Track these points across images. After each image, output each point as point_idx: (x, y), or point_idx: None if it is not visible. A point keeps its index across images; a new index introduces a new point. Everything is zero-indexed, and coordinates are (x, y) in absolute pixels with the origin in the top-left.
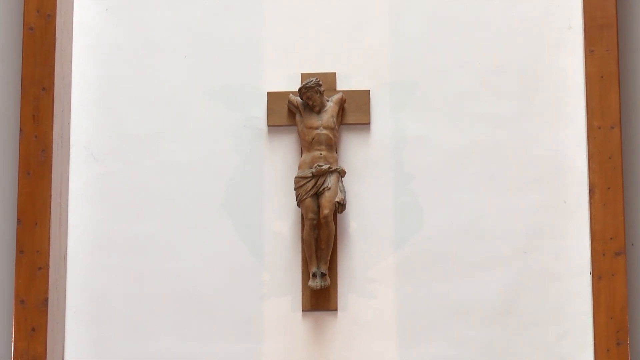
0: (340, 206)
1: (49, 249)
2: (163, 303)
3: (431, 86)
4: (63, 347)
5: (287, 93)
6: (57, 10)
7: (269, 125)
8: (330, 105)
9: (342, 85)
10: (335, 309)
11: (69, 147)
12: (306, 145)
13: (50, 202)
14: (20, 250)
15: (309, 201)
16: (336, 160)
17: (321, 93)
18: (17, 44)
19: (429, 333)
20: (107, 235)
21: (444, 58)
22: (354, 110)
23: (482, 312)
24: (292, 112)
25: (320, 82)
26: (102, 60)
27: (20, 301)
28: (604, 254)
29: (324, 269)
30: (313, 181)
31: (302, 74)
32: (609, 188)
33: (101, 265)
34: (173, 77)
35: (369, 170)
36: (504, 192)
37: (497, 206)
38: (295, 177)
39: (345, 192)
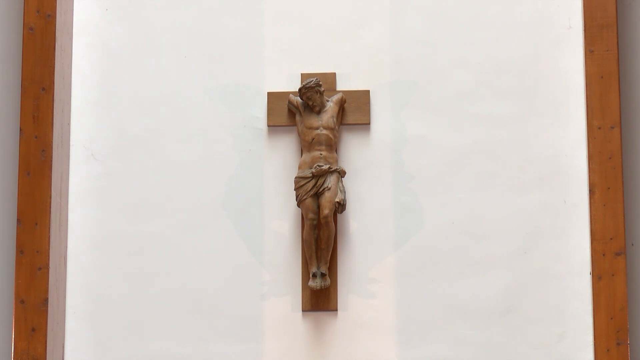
0: (340, 206)
1: (49, 249)
2: (163, 303)
3: (431, 86)
4: (63, 347)
5: (287, 93)
6: (57, 10)
7: (269, 125)
8: (330, 105)
9: (342, 85)
10: (335, 309)
11: (69, 147)
12: (306, 145)
13: (50, 202)
14: (20, 250)
15: (309, 201)
16: (336, 161)
17: (321, 93)
18: (17, 44)
19: (429, 333)
20: (107, 235)
21: (444, 58)
22: (354, 110)
23: (482, 312)
24: (292, 112)
25: (320, 82)
26: (102, 60)
27: (20, 301)
28: (604, 254)
29: (324, 269)
30: (313, 181)
31: (302, 74)
32: (609, 188)
33: (101, 265)
34: (173, 77)
35: (369, 170)
36: (504, 192)
37: (497, 206)
38: (295, 177)
39: (345, 192)
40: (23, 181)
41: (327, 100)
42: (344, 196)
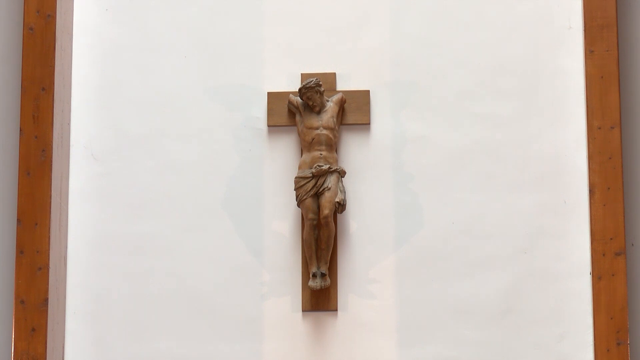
0: (340, 206)
1: (49, 249)
2: (163, 303)
3: (431, 86)
4: (63, 347)
5: (287, 93)
6: (57, 10)
7: (269, 125)
8: (330, 105)
9: (342, 85)
10: (335, 309)
11: (69, 147)
12: (306, 145)
13: (50, 202)
14: (20, 250)
15: (309, 201)
16: (336, 161)
17: (321, 93)
18: (17, 44)
19: (429, 333)
20: (107, 235)
21: (444, 58)
22: (354, 110)
23: (482, 312)
24: (292, 112)
25: (320, 82)
26: (102, 60)
27: (20, 301)
28: (604, 254)
29: (324, 269)
30: (313, 181)
31: (302, 74)
32: (609, 188)
33: (101, 265)
34: (173, 77)
35: (369, 170)
36: (504, 192)
37: (497, 206)
38: (295, 178)
39: (345, 192)
40: (23, 181)
41: (327, 100)
42: (344, 196)
